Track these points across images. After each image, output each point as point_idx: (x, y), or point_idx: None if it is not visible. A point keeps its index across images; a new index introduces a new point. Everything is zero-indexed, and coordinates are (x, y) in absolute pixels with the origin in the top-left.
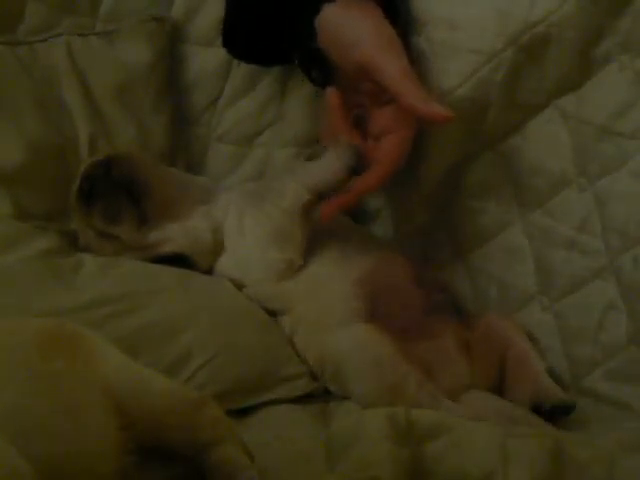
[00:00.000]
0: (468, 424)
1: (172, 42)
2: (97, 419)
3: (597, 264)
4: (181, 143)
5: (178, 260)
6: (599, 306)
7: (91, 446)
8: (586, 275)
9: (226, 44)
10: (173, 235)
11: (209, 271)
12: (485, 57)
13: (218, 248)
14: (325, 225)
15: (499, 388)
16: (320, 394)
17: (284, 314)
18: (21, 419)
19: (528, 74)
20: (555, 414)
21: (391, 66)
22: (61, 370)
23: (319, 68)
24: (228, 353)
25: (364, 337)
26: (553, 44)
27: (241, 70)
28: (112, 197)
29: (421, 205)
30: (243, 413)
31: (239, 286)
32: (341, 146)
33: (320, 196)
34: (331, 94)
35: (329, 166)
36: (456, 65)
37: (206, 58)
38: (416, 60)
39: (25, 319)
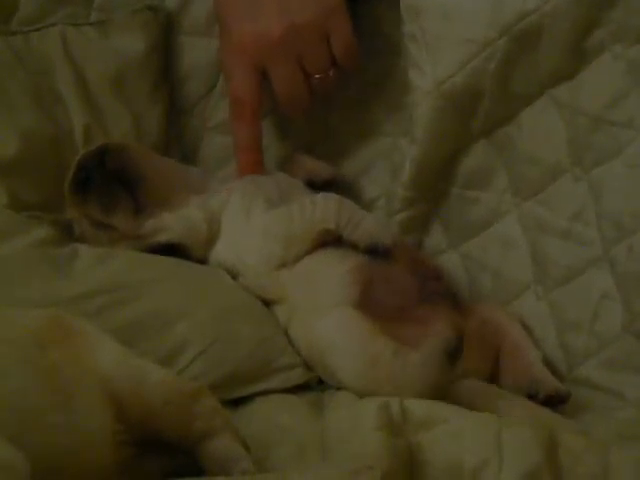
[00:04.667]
0: (463, 414)
1: (166, 32)
2: (93, 410)
3: (592, 254)
4: (175, 133)
5: (173, 250)
6: (594, 296)
7: (87, 438)
8: (581, 265)
9: None
10: (168, 224)
11: (204, 261)
12: (478, 46)
13: (213, 238)
14: None
15: (494, 377)
16: (315, 384)
17: (279, 304)
18: (16, 410)
19: (522, 64)
20: (550, 404)
21: None
22: (57, 361)
23: None
24: (223, 343)
25: (346, 320)
26: (546, 34)
27: None
28: (107, 187)
29: (415, 195)
30: (238, 403)
31: (234, 276)
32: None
33: (340, 237)
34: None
35: (376, 228)
36: (449, 54)
37: (200, 48)
38: (409, 48)
39: (21, 310)
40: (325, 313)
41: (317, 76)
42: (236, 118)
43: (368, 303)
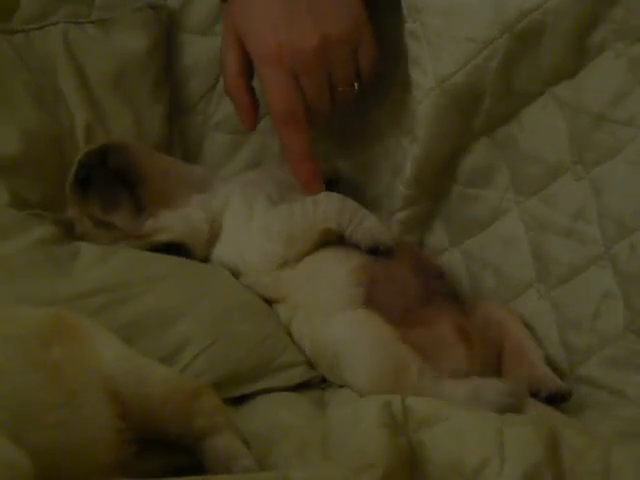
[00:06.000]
0: (464, 412)
1: (168, 30)
2: (95, 408)
3: (593, 252)
4: (177, 132)
5: (175, 248)
6: (596, 294)
7: (90, 436)
8: (582, 263)
9: None
10: (170, 223)
11: (206, 259)
12: (480, 45)
13: (215, 237)
14: None
15: (496, 375)
16: (317, 382)
17: (281, 302)
18: (19, 409)
19: (523, 62)
20: (551, 402)
21: None
22: (59, 359)
23: None
24: (225, 342)
25: (361, 322)
26: (548, 32)
27: None
28: (108, 185)
29: (417, 193)
30: (240, 402)
31: (236, 274)
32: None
33: (342, 236)
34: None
35: (378, 228)
36: (451, 52)
37: (202, 47)
38: (411, 47)
39: (23, 308)
40: (333, 313)
41: (340, 89)
42: (287, 128)
43: (373, 304)
